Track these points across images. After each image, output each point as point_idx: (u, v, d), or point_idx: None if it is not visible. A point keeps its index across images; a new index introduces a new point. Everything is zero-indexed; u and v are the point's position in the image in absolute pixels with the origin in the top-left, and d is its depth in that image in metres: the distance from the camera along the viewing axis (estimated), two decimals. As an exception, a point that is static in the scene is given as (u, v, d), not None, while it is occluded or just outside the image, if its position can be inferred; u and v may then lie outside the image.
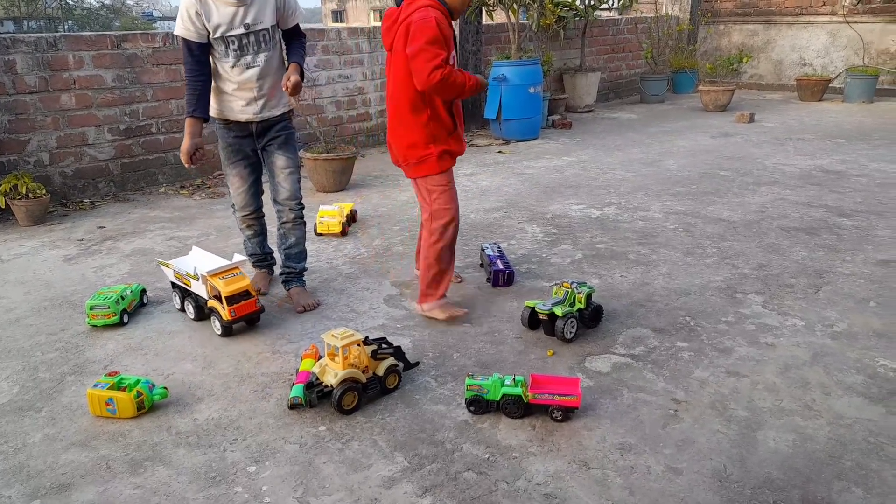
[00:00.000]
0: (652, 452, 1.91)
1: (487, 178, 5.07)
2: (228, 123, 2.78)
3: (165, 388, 2.20)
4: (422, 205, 2.74)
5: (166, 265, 2.86)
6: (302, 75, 2.66)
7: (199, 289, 2.70)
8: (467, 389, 2.10)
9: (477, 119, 7.04)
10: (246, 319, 2.67)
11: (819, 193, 4.39)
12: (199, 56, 2.60)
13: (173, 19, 4.99)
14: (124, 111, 4.73)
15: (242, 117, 2.74)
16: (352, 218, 3.98)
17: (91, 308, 2.72)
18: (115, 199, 4.67)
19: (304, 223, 2.95)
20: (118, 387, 2.13)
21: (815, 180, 4.72)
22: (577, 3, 7.37)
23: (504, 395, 2.07)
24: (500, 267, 3.05)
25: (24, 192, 4.05)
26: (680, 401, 2.15)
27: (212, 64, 2.67)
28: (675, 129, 6.91)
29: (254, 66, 2.66)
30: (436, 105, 2.56)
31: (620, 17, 9.24)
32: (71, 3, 20.73)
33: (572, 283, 2.61)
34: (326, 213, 3.83)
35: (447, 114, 2.61)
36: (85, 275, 3.33)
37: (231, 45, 2.61)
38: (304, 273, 3.03)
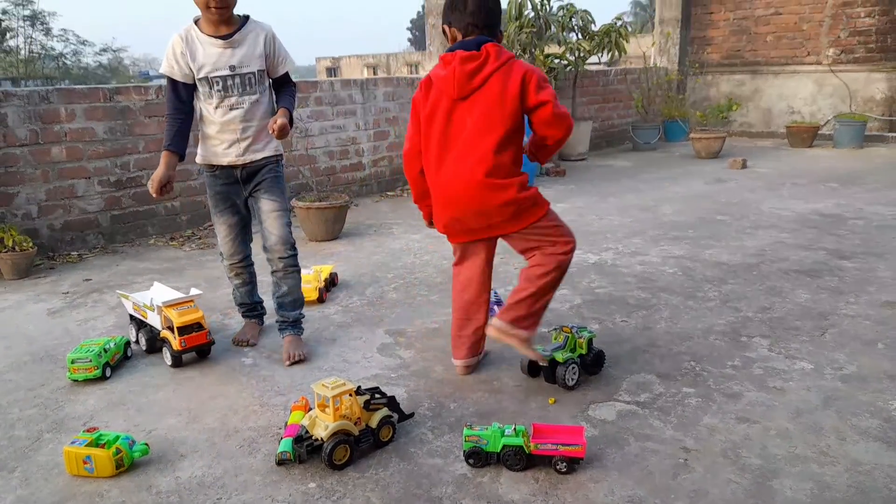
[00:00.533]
0: (663, 506, 1.79)
1: (482, 225, 5.03)
2: (214, 170, 2.75)
3: (146, 444, 2.08)
4: (533, 250, 2.44)
5: (126, 297, 2.93)
6: (291, 121, 2.63)
7: (154, 320, 2.76)
8: (465, 441, 1.98)
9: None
10: (196, 350, 2.73)
11: (817, 236, 4.36)
12: (182, 95, 2.61)
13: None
14: (115, 163, 4.71)
15: (225, 160, 2.70)
16: (331, 282, 3.63)
17: (72, 362, 2.61)
18: (103, 252, 4.60)
19: (298, 269, 2.85)
20: (97, 444, 2.01)
21: (812, 223, 4.70)
22: (568, 55, 7.52)
23: (504, 446, 1.95)
24: (497, 312, 2.96)
25: (10, 244, 3.98)
26: (690, 449, 2.04)
27: (196, 108, 2.68)
28: (670, 175, 6.94)
29: (237, 108, 2.64)
30: (518, 144, 2.39)
31: (610, 68, 9.44)
32: (69, 63, 21.23)
33: (572, 327, 2.54)
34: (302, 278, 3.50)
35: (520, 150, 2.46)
36: (68, 328, 3.22)
37: (215, 85, 2.60)
38: (301, 321, 2.90)
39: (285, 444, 2.01)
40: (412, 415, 2.26)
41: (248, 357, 2.82)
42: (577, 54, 7.56)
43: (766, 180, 6.42)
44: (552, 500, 1.83)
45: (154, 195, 2.61)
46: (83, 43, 22.70)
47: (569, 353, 2.43)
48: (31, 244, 4.07)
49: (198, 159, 2.77)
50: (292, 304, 2.84)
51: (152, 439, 2.18)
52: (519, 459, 1.95)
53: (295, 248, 2.81)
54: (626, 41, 7.54)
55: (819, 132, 8.76)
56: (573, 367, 2.41)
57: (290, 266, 2.80)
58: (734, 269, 3.75)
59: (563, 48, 7.47)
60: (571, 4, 7.36)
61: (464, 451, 1.99)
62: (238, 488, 1.93)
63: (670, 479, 1.90)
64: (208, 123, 2.67)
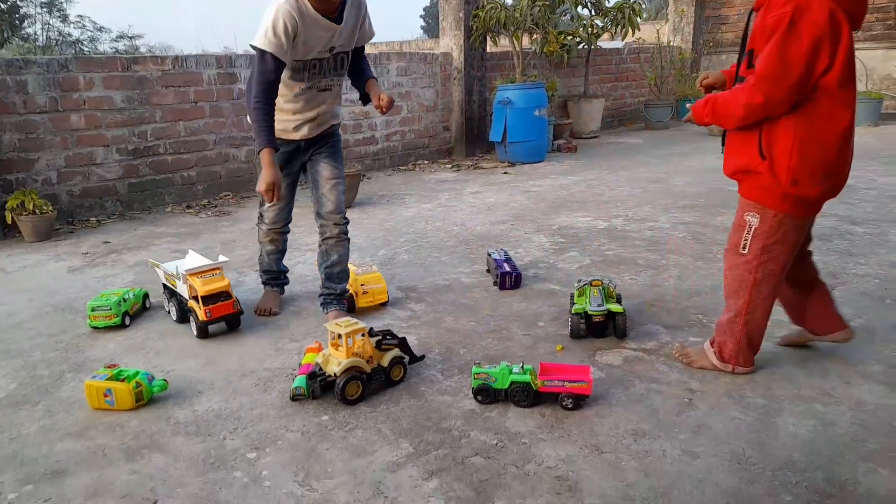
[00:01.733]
0: (667, 438, 1.83)
1: (493, 196, 5.07)
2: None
3: (165, 380, 2.15)
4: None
5: (157, 266, 2.85)
6: None
7: (182, 289, 2.66)
8: (474, 378, 2.03)
9: (482, 142, 7.09)
10: (225, 321, 2.61)
11: (829, 205, 4.30)
12: (277, 76, 2.34)
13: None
14: (133, 132, 4.78)
15: (295, 136, 2.59)
16: None
17: (92, 310, 2.69)
18: (121, 218, 4.68)
19: (349, 240, 2.74)
20: (117, 378, 2.08)
21: (824, 193, 4.68)
22: (581, 31, 7.49)
23: (512, 383, 2.00)
24: (507, 269, 3.01)
25: (30, 208, 4.07)
26: (694, 390, 2.08)
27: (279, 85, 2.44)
28: (682, 151, 6.92)
29: (327, 90, 2.53)
30: None
31: (623, 46, 9.38)
32: (86, 50, 21.38)
33: (601, 279, 2.54)
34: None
35: None
36: (88, 283, 3.31)
37: (313, 68, 2.45)
38: (345, 295, 2.78)
39: (299, 381, 2.07)
40: (422, 357, 2.31)
41: (262, 309, 2.89)
42: (589, 31, 7.53)
43: (779, 155, 6.37)
44: (558, 432, 1.88)
45: (270, 201, 2.41)
46: (100, 30, 22.79)
47: (617, 304, 2.46)
48: (50, 208, 4.16)
49: None
50: (340, 274, 2.75)
51: (171, 378, 2.25)
52: (526, 396, 2.00)
53: (347, 218, 2.73)
54: (640, 17, 7.49)
55: (835, 111, 8.66)
56: (624, 317, 2.44)
57: (343, 234, 2.71)
58: (744, 233, 3.75)
59: (576, 24, 7.43)
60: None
61: (472, 389, 2.04)
62: (253, 420, 1.99)
63: (674, 416, 1.94)
64: (288, 100, 2.49)
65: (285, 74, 2.41)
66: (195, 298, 2.57)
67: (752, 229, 2.03)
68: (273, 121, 2.38)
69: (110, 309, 2.68)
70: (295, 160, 2.68)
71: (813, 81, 1.83)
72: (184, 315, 2.70)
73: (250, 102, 2.36)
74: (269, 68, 2.31)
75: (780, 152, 1.92)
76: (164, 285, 2.87)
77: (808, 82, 1.82)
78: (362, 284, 2.80)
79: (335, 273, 2.74)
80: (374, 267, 2.91)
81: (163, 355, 2.46)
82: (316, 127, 2.60)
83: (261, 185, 2.36)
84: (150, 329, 2.71)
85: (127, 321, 2.73)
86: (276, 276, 2.96)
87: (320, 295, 2.80)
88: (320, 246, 2.75)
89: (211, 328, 2.61)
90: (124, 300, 2.75)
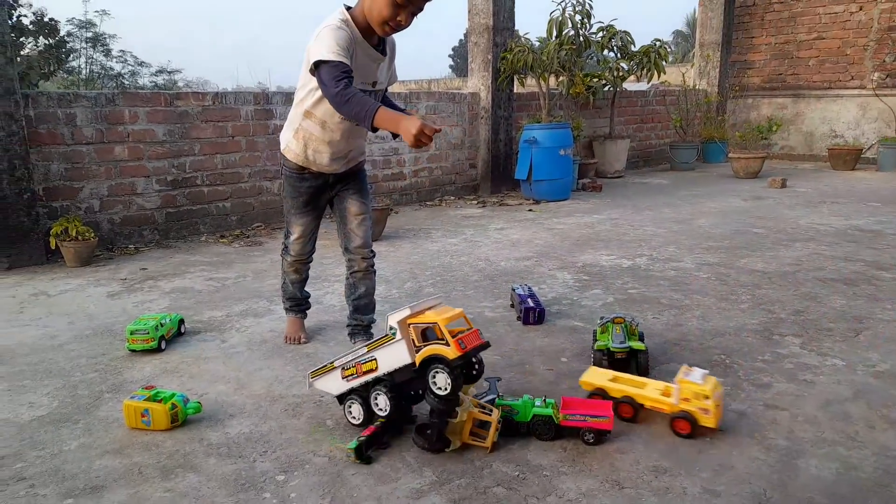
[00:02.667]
0: (687, 475, 1.85)
1: (518, 232, 5.15)
2: (305, 172, 2.64)
3: (199, 403, 2.23)
4: None
5: (321, 373, 2.18)
6: None
7: (393, 355, 1.99)
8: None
9: (508, 180, 7.20)
10: (476, 351, 1.96)
11: (856, 249, 4.34)
12: (349, 76, 2.21)
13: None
14: (172, 163, 4.98)
15: (326, 169, 2.63)
16: None
17: (131, 333, 2.80)
18: (158, 246, 4.85)
19: (375, 272, 2.81)
20: (154, 399, 2.17)
21: (852, 238, 4.67)
22: (607, 73, 7.64)
23: (535, 416, 2.04)
24: (531, 305, 3.06)
25: (73, 234, 4.25)
26: (716, 430, 2.10)
27: (317, 109, 2.45)
28: (707, 192, 6.95)
29: (361, 125, 2.49)
30: None
31: (649, 89, 9.51)
32: (126, 83, 22.25)
33: (623, 316, 2.58)
34: None
35: None
36: (126, 308, 3.43)
37: None
38: (372, 326, 2.84)
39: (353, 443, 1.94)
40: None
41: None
42: (615, 74, 7.67)
43: (805, 198, 6.38)
44: (579, 466, 1.91)
45: (431, 136, 2.07)
46: (140, 64, 23.71)
47: (639, 342, 2.50)
48: (92, 234, 4.34)
49: (290, 156, 2.61)
50: (367, 306, 2.81)
51: (204, 401, 2.33)
52: (548, 429, 2.04)
53: (374, 251, 2.79)
54: (666, 61, 7.62)
55: (862, 155, 8.64)
56: (646, 355, 2.48)
57: (371, 267, 2.77)
58: (769, 275, 3.77)
59: (602, 68, 7.58)
60: (612, 25, 7.50)
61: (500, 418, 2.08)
62: (282, 444, 2.06)
63: (696, 454, 1.96)
64: (325, 129, 2.49)
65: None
66: (428, 339, 1.92)
67: None
68: (363, 96, 2.21)
69: (148, 333, 2.79)
70: (323, 195, 2.74)
71: None
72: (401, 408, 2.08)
73: (332, 91, 2.19)
74: (340, 67, 2.19)
75: None
76: (343, 395, 2.15)
77: None
78: None
79: (362, 305, 2.82)
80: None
81: (196, 379, 2.55)
82: (347, 163, 2.67)
83: (412, 136, 2.04)
84: (184, 353, 2.81)
85: (163, 345, 2.84)
86: (299, 303, 3.00)
87: (348, 325, 2.87)
88: (348, 279, 2.82)
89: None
90: (161, 325, 2.86)
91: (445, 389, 1.88)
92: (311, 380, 2.23)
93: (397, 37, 2.48)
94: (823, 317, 3.09)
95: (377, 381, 2.05)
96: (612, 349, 2.46)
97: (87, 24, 22.76)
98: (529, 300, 3.11)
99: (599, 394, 2.21)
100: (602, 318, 2.64)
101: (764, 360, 2.62)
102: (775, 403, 2.26)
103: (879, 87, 8.99)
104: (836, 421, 2.14)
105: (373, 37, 2.38)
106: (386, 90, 2.68)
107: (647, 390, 2.18)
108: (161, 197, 4.96)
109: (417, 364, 1.92)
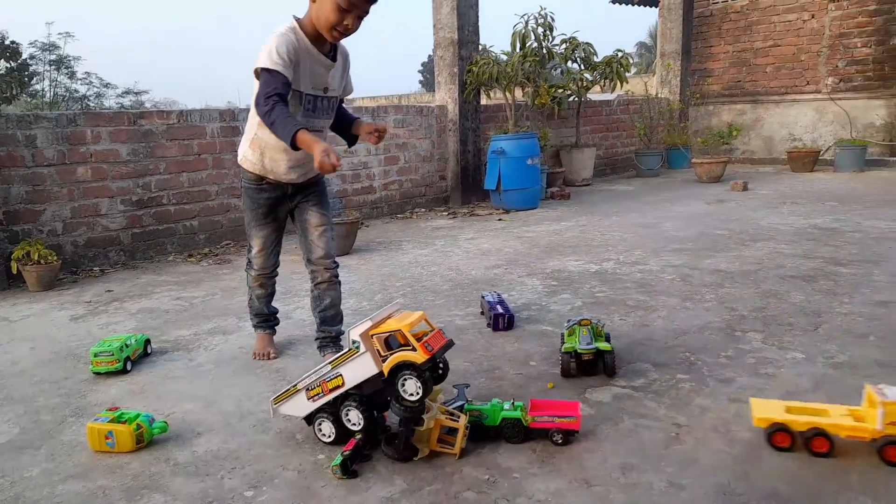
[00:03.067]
0: (654, 471, 1.88)
1: (488, 241, 5.19)
2: (263, 183, 2.66)
3: (165, 422, 2.20)
4: None
5: (286, 396, 2.14)
6: None
7: (359, 368, 1.99)
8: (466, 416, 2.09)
9: (477, 191, 7.26)
10: (443, 352, 1.99)
11: (815, 247, 4.47)
12: (285, 89, 2.30)
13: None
14: (137, 183, 4.93)
15: (284, 178, 2.63)
16: None
17: (95, 355, 2.75)
18: (124, 267, 4.78)
19: (339, 283, 2.80)
20: (118, 421, 2.13)
21: (811, 236, 4.80)
22: (571, 84, 7.77)
23: (503, 419, 2.06)
24: (500, 311, 3.09)
25: (35, 258, 4.17)
26: (682, 425, 2.13)
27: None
28: (671, 197, 7.09)
29: (318, 132, 2.52)
30: None
31: (613, 98, 9.69)
32: (91, 105, 21.92)
33: (590, 318, 2.61)
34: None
35: None
36: (91, 331, 3.37)
37: (308, 104, 2.47)
38: (341, 338, 2.81)
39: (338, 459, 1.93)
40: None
41: (261, 353, 2.95)
42: (579, 84, 7.81)
43: (766, 200, 6.55)
44: (548, 467, 1.92)
45: (336, 164, 2.17)
46: (106, 86, 23.44)
47: (605, 343, 2.53)
48: (55, 257, 4.26)
49: (249, 166, 2.62)
50: (334, 318, 2.80)
51: (171, 420, 2.30)
52: (517, 432, 2.05)
53: (337, 262, 2.79)
54: (628, 70, 7.78)
55: (820, 157, 8.90)
56: (613, 355, 2.51)
57: (335, 277, 2.77)
58: (731, 275, 3.85)
59: (566, 79, 7.71)
60: (574, 37, 7.64)
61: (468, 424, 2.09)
62: (251, 460, 2.04)
63: (662, 450, 1.99)
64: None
65: None
66: (392, 346, 1.94)
67: None
68: (291, 115, 2.31)
69: (112, 354, 2.74)
70: (282, 206, 2.73)
71: None
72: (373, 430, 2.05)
73: (262, 110, 2.28)
74: (276, 80, 2.28)
75: None
76: (311, 416, 2.12)
77: None
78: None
79: (329, 316, 2.80)
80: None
81: (163, 399, 2.52)
82: (305, 173, 2.65)
83: (320, 157, 2.14)
84: (150, 374, 2.77)
85: (128, 366, 2.79)
86: (266, 318, 2.98)
87: (316, 339, 2.86)
88: (312, 291, 2.80)
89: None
90: (126, 346, 2.82)
91: (416, 394, 1.90)
92: (274, 406, 2.17)
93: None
94: (784, 312, 3.17)
95: (346, 396, 2.04)
96: (579, 351, 2.49)
97: (50, 47, 22.44)
98: (499, 306, 3.14)
99: (781, 430, 1.94)
100: (569, 321, 2.68)
101: (727, 355, 2.68)
102: (738, 397, 2.31)
103: (834, 92, 9.29)
104: (797, 412, 2.19)
105: (324, 44, 2.43)
106: (342, 101, 2.71)
107: (837, 418, 1.94)
108: (126, 217, 4.90)
109: (386, 373, 1.93)
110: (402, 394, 1.91)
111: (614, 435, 2.09)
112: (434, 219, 6.51)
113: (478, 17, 7.12)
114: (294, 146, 2.23)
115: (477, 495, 1.80)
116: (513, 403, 2.09)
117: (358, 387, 2.02)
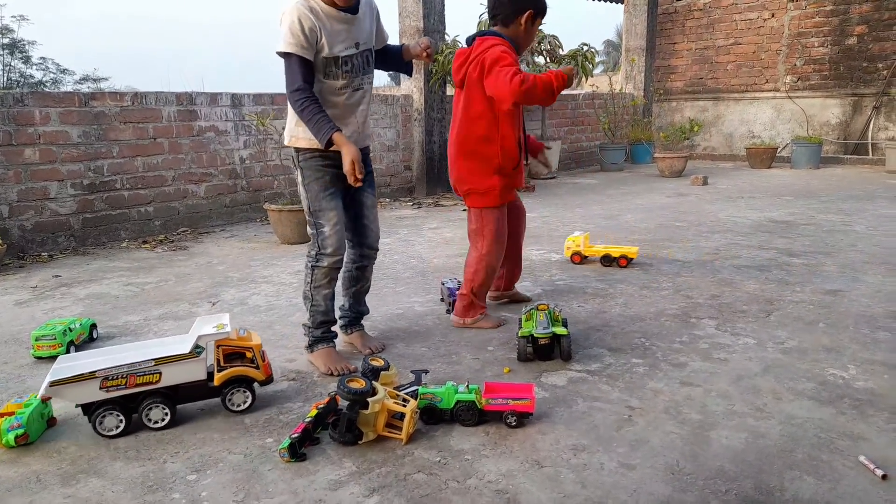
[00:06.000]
0: (605, 451, 1.88)
1: (451, 231, 5.16)
2: (326, 154, 2.43)
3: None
4: (475, 232, 2.96)
5: (70, 381, 1.96)
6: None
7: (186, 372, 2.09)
8: (420, 399, 2.06)
9: (443, 182, 7.22)
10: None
11: (769, 239, 4.56)
12: (308, 77, 2.31)
13: (144, 82, 5.07)
14: (89, 167, 4.76)
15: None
16: None
17: (36, 339, 2.64)
18: (74, 253, 4.62)
19: None
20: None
21: (766, 229, 4.90)
22: (536, 76, 7.78)
23: (458, 402, 2.03)
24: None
25: (-21, 242, 4.00)
26: (634, 407, 2.14)
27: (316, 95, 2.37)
28: (634, 191, 7.17)
29: (361, 89, 2.46)
30: (504, 137, 2.76)
31: (578, 93, 9.75)
32: (48, 90, 21.24)
33: (546, 303, 2.60)
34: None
35: (516, 147, 2.81)
36: (35, 316, 3.25)
37: (344, 65, 2.38)
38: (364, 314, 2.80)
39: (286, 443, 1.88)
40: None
41: (213, 338, 2.87)
42: (546, 76, 7.82)
43: (724, 194, 6.67)
44: (500, 448, 1.91)
45: (360, 176, 2.31)
46: (63, 71, 22.68)
47: (562, 327, 2.52)
48: (0, 241, 4.08)
49: (304, 143, 2.42)
50: (364, 295, 2.77)
51: (114, 405, 2.21)
52: (471, 415, 2.03)
53: None
54: (593, 64, 7.83)
55: (778, 154, 9.11)
56: (569, 338, 2.51)
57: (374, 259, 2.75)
58: (689, 264, 3.90)
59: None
60: (540, 30, 7.64)
61: (418, 409, 2.06)
62: (196, 443, 1.98)
63: (613, 431, 2.00)
64: (329, 106, 2.38)
65: (320, 75, 2.36)
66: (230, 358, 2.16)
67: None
68: (325, 113, 2.30)
69: (55, 338, 2.64)
70: (343, 179, 2.42)
71: None
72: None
73: (296, 105, 2.31)
74: (296, 71, 2.28)
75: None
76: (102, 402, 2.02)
77: None
78: None
79: (362, 294, 2.75)
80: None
81: (107, 383, 2.43)
82: (360, 137, 2.51)
83: (346, 164, 2.28)
84: (95, 358, 2.67)
85: (72, 351, 2.69)
86: (331, 325, 2.60)
87: (343, 317, 2.72)
88: (353, 272, 2.69)
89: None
90: (70, 329, 2.71)
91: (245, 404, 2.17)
92: (49, 387, 1.95)
93: None
94: (738, 300, 3.22)
95: (149, 393, 2.06)
96: (535, 335, 2.48)
97: (2, 31, 21.62)
98: (458, 292, 3.11)
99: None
100: (526, 306, 2.67)
101: (681, 341, 2.71)
102: (690, 381, 2.33)
103: (792, 90, 9.51)
104: (747, 394, 2.22)
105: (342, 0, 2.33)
106: (384, 47, 2.61)
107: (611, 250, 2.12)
108: (77, 202, 4.73)
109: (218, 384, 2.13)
110: (229, 405, 2.16)
111: (567, 417, 2.08)
112: (398, 209, 6.46)
113: (444, 5, 7.07)
114: (327, 146, 2.30)
115: (427, 477, 1.77)
116: (467, 386, 2.07)
117: (171, 387, 2.10)
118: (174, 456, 1.91)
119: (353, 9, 2.37)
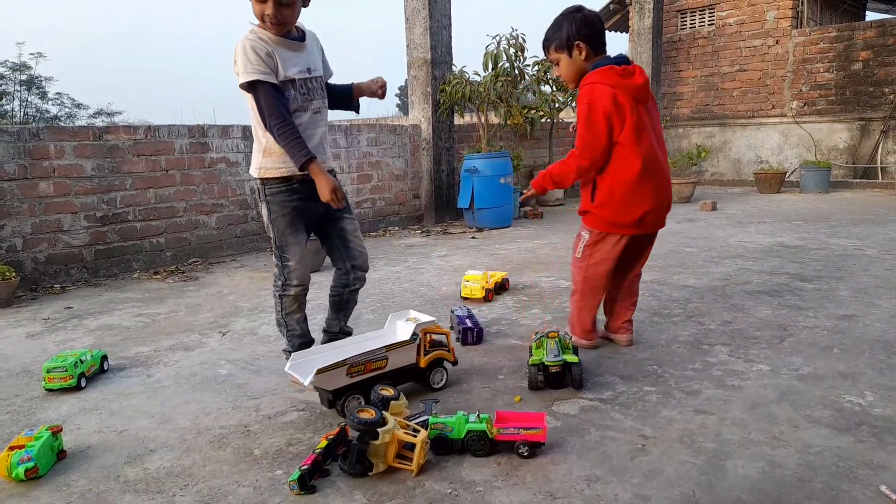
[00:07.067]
0: (619, 482, 1.85)
1: (460, 259, 5.17)
2: (292, 183, 2.49)
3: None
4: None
5: (329, 369, 2.22)
6: None
7: (401, 357, 2.42)
8: (431, 429, 2.04)
9: (451, 209, 7.26)
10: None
11: (781, 264, 4.53)
12: (279, 98, 2.36)
13: (156, 115, 5.16)
14: (102, 199, 4.83)
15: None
16: (502, 286, 4.01)
17: (48, 371, 2.65)
18: (86, 285, 4.66)
19: None
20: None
21: (777, 253, 4.87)
22: (544, 106, 7.86)
23: (469, 432, 2.01)
24: (469, 325, 3.05)
25: (-7, 274, 4.04)
26: (647, 436, 2.11)
27: None
28: (643, 217, 7.15)
29: (318, 112, 2.54)
30: None
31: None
32: (63, 124, 21.65)
33: (557, 331, 2.58)
34: (471, 277, 3.89)
35: None
36: (46, 348, 3.26)
37: (301, 87, 2.46)
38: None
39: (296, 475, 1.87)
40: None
41: (223, 368, 2.87)
42: (552, 105, 7.90)
43: (734, 219, 6.64)
44: (513, 479, 1.88)
45: (341, 204, 2.44)
46: (77, 106, 23.12)
47: (573, 355, 2.50)
48: (13, 274, 4.13)
49: (273, 173, 2.47)
50: (350, 314, 2.88)
51: (124, 438, 2.21)
52: (483, 445, 2.01)
53: None
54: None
55: (786, 179, 9.10)
56: (580, 367, 2.48)
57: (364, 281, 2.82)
58: (699, 291, 3.88)
59: (539, 101, 7.80)
60: (546, 59, 7.73)
61: (429, 439, 2.04)
62: (205, 476, 1.96)
63: (627, 461, 1.96)
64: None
65: None
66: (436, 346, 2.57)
67: (584, 240, 2.90)
68: (302, 138, 2.37)
69: (66, 370, 2.64)
70: (311, 209, 2.55)
71: (613, 141, 2.63)
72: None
73: (272, 130, 2.36)
74: (270, 95, 2.35)
75: (598, 192, 2.75)
76: (340, 390, 2.27)
77: (610, 144, 2.63)
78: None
79: (350, 312, 2.87)
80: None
81: (117, 415, 2.43)
82: (325, 159, 2.55)
83: (325, 194, 2.39)
84: (105, 391, 2.67)
85: (83, 383, 2.69)
86: (311, 343, 2.73)
87: (330, 340, 2.75)
88: (341, 295, 2.76)
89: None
90: (81, 361, 2.72)
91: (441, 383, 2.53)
92: (316, 375, 2.18)
93: (344, 75, 2.63)
94: (750, 326, 3.18)
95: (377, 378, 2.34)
96: (546, 363, 2.46)
97: (21, 67, 22.14)
98: (468, 321, 3.11)
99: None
100: (537, 334, 2.65)
101: (694, 368, 2.68)
102: (704, 409, 2.30)
103: (798, 115, 9.54)
104: (762, 422, 2.18)
105: (289, 33, 2.46)
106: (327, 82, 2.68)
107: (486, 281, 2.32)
108: (90, 234, 4.78)
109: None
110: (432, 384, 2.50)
111: (580, 447, 2.06)
112: (407, 237, 6.49)
113: (451, 37, 7.19)
114: (302, 169, 2.38)
115: (438, 509, 1.74)
116: (478, 416, 2.05)
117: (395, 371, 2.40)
118: (183, 489, 1.89)
119: (299, 37, 2.50)
